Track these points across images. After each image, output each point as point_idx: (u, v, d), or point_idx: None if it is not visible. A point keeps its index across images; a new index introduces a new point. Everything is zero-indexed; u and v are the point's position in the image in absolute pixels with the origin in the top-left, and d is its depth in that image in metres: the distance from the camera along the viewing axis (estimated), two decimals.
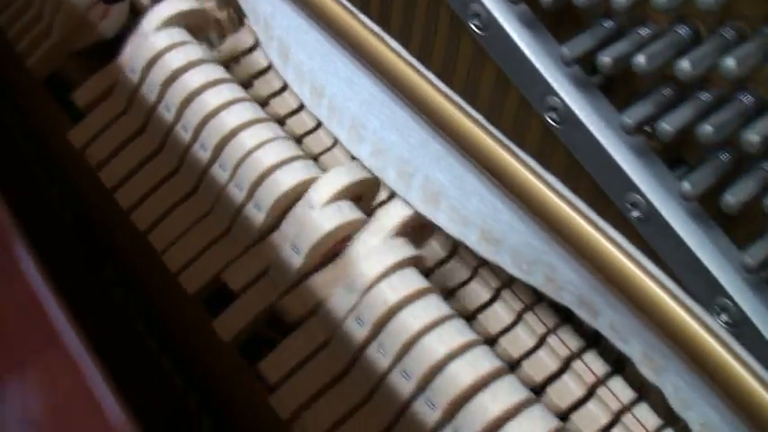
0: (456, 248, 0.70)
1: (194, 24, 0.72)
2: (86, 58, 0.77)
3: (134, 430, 0.56)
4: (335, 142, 0.72)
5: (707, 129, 0.45)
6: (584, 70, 0.54)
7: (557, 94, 0.52)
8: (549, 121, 0.53)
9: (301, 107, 0.73)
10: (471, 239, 0.60)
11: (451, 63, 0.62)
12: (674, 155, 0.52)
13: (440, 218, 0.61)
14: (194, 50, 0.69)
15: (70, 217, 0.82)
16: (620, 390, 0.64)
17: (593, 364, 0.65)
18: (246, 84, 0.74)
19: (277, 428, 0.59)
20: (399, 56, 0.57)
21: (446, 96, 0.56)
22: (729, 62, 0.45)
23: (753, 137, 0.44)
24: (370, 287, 0.58)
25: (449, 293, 0.69)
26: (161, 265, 0.67)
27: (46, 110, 0.77)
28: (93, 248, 0.83)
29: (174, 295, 0.67)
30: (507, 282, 0.69)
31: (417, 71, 0.57)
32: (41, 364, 0.60)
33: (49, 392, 0.59)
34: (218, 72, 0.69)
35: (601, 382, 0.64)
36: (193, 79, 0.67)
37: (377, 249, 0.60)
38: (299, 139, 0.74)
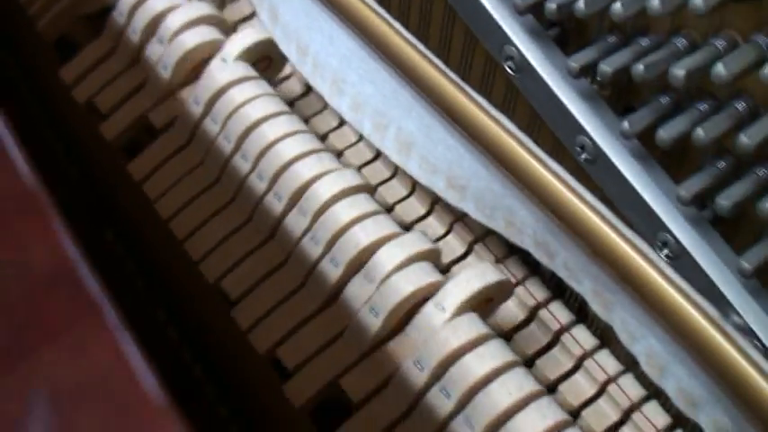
0: (433, 206, 0.74)
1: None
2: (93, 23, 0.82)
3: (169, 402, 0.54)
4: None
5: (639, 68, 0.48)
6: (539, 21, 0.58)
7: (513, 44, 0.56)
8: (508, 69, 0.57)
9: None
10: (439, 186, 0.64)
11: (425, 25, 0.66)
12: (622, 102, 0.56)
13: (412, 167, 0.65)
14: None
15: (76, 173, 0.86)
16: (583, 337, 0.67)
17: (559, 313, 0.69)
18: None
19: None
20: (372, 9, 0.61)
21: (415, 48, 0.60)
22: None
23: (679, 72, 0.48)
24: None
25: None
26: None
27: (54, 71, 0.82)
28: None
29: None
30: (481, 236, 0.73)
31: (388, 24, 0.61)
32: (76, 335, 0.58)
33: (83, 364, 0.57)
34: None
35: (565, 330, 0.67)
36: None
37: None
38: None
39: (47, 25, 0.79)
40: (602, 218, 0.54)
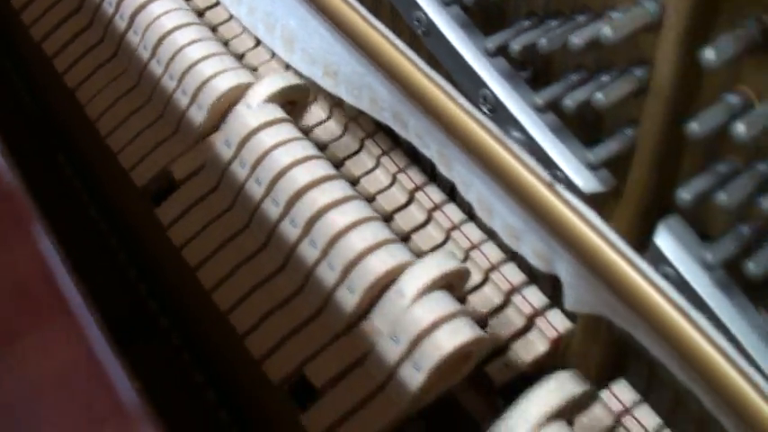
0: (332, 108, 0.84)
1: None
2: None
3: (142, 403, 0.55)
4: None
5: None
6: None
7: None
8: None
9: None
10: (318, 75, 0.74)
11: None
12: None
13: (296, 60, 0.75)
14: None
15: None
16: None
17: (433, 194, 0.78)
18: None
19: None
20: None
21: None
22: None
23: None
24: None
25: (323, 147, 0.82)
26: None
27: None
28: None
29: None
30: (371, 133, 0.83)
31: None
32: (47, 332, 0.59)
33: (54, 361, 0.58)
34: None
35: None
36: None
37: None
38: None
39: None
40: (437, 84, 0.63)
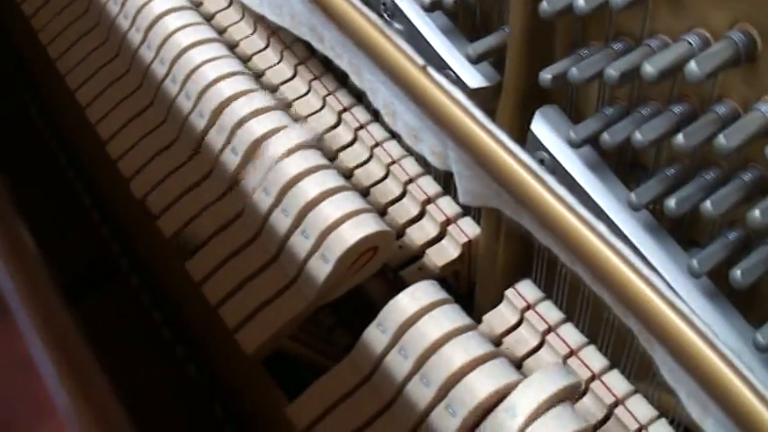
0: (269, 39, 0.89)
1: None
2: None
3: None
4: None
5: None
6: None
7: None
8: None
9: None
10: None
11: None
12: None
13: (265, 11, 0.79)
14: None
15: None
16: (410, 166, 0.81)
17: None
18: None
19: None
20: None
21: None
22: None
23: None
24: None
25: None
26: None
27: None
28: None
29: None
30: (303, 59, 0.87)
31: None
32: None
33: None
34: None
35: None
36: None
37: None
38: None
39: None
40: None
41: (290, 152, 0.71)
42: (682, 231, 0.58)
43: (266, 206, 0.70)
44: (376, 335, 0.64)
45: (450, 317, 0.63)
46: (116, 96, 0.83)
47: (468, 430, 0.58)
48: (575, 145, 0.57)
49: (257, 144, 0.72)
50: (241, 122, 0.73)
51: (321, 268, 0.67)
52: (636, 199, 0.54)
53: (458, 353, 0.61)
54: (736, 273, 0.51)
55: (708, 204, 0.50)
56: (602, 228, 0.54)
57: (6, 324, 0.53)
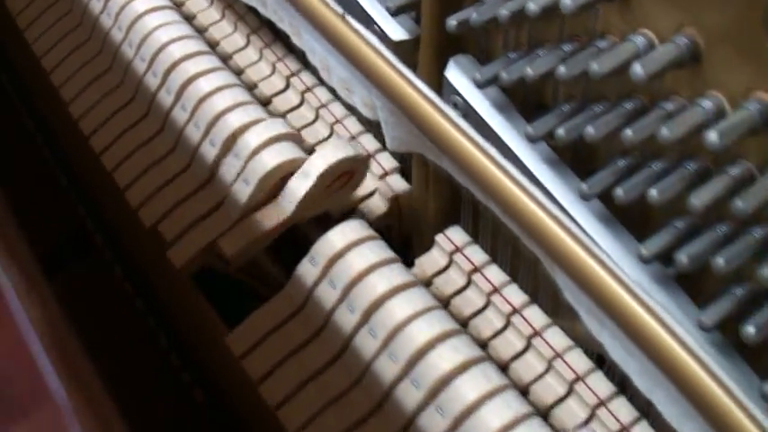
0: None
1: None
2: None
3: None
4: None
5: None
6: None
7: None
8: None
9: None
10: None
11: None
12: None
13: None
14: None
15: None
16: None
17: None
18: None
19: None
20: None
21: None
22: None
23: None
24: None
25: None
26: None
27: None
28: None
29: None
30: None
31: None
32: None
33: None
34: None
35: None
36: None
37: None
38: None
39: None
40: None
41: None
42: (577, 162, 0.63)
43: (196, 139, 0.77)
44: (308, 268, 0.69)
45: (375, 251, 0.69)
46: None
47: (383, 342, 0.64)
48: (480, 85, 0.62)
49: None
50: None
51: (243, 190, 0.75)
52: (532, 131, 0.60)
53: (380, 282, 0.66)
54: (619, 192, 0.56)
55: (590, 129, 0.56)
56: (506, 164, 0.60)
57: None
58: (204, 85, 0.80)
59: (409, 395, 0.63)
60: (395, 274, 0.67)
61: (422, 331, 0.63)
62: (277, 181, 0.74)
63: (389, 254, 0.69)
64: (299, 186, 0.73)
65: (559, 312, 0.70)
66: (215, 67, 0.81)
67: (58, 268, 1.06)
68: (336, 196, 0.76)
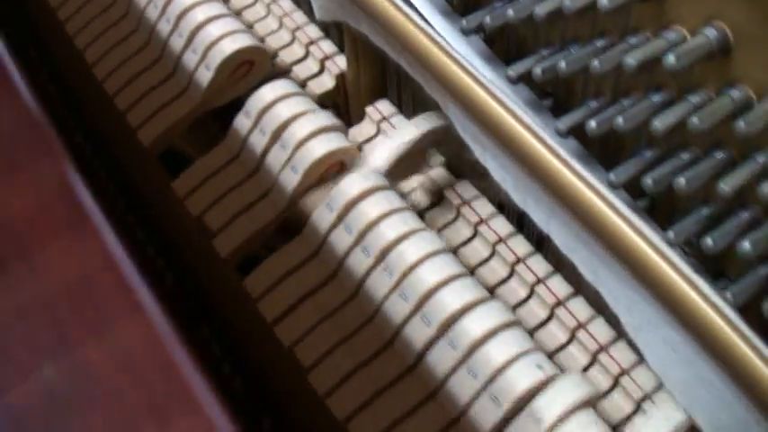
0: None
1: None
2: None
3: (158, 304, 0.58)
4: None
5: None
6: None
7: None
8: None
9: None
10: None
11: None
12: None
13: None
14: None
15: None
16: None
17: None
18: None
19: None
20: None
21: None
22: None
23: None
24: None
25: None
26: None
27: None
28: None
29: None
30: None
31: None
32: (67, 242, 0.62)
33: (72, 272, 0.60)
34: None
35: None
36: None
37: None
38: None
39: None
40: None
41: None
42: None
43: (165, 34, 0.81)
44: (243, 121, 0.75)
45: (301, 102, 0.74)
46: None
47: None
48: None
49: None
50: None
51: (204, 75, 0.79)
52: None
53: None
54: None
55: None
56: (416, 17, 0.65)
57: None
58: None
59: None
60: (320, 118, 0.72)
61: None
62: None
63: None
64: (203, 78, 0.79)
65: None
66: None
67: None
68: (243, 82, 0.80)
